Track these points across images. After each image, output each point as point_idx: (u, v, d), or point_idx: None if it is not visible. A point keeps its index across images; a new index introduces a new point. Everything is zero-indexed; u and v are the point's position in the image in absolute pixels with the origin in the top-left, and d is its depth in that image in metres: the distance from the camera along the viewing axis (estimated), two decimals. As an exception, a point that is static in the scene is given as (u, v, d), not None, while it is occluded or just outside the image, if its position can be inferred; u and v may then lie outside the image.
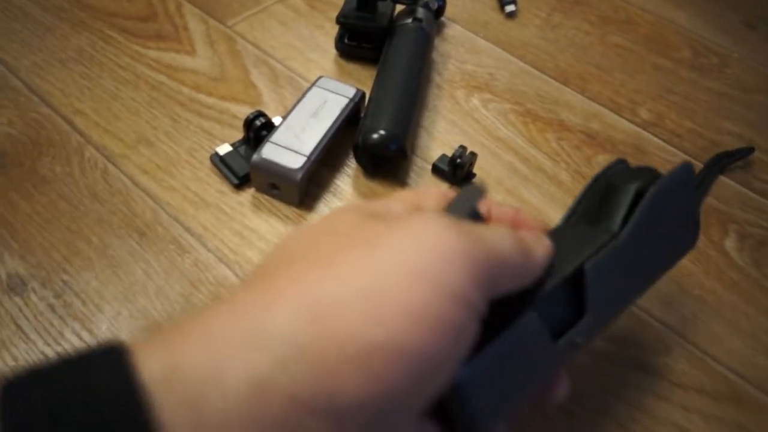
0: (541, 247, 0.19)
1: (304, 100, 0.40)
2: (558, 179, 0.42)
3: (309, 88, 0.40)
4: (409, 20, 0.45)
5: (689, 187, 0.28)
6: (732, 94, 0.51)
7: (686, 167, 0.27)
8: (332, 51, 0.48)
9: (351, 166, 0.40)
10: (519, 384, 0.20)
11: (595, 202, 0.27)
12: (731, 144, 0.46)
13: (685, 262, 0.38)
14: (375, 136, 0.37)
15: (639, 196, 0.25)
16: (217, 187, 0.38)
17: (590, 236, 0.25)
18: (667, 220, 0.27)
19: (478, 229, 0.17)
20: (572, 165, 0.43)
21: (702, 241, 0.39)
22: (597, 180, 0.28)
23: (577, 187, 0.41)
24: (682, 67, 0.53)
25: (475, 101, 0.46)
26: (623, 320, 0.35)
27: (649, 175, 0.27)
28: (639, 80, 0.51)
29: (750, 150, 0.45)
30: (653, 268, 0.27)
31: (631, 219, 0.25)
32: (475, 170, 0.41)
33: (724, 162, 0.44)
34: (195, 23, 0.49)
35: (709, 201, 0.42)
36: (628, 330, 0.34)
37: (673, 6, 0.59)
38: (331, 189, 0.39)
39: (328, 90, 0.40)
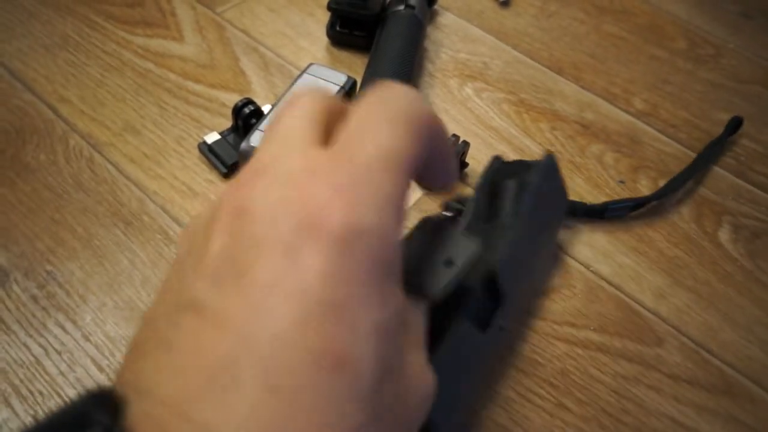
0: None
1: (295, 87, 0.39)
2: (552, 169, 0.41)
3: (299, 75, 0.40)
4: (402, 7, 0.44)
5: (556, 173, 0.33)
6: (727, 84, 0.50)
7: (550, 158, 0.32)
8: (323, 38, 0.48)
9: (342, 156, 0.40)
10: (466, 383, 0.24)
11: (486, 201, 0.30)
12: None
13: (679, 253, 0.38)
14: (366, 124, 0.37)
15: (520, 188, 0.30)
16: (205, 176, 0.38)
17: (492, 233, 0.28)
18: (545, 200, 0.32)
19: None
20: (566, 155, 0.42)
21: (696, 233, 0.39)
22: (483, 182, 0.31)
23: (571, 177, 0.41)
24: (677, 57, 0.52)
25: (469, 90, 0.46)
26: (615, 311, 0.34)
27: (521, 167, 0.32)
28: (634, 70, 0.50)
29: (738, 121, 0.45)
30: (546, 239, 0.32)
31: (519, 212, 0.29)
32: (468, 160, 0.40)
33: (718, 146, 0.44)
34: (183, 9, 0.48)
35: (703, 192, 0.42)
36: (621, 321, 0.34)
37: (669, -5, 0.58)
38: (322, 178, 0.39)
39: (318, 77, 0.40)
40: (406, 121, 0.17)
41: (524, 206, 0.29)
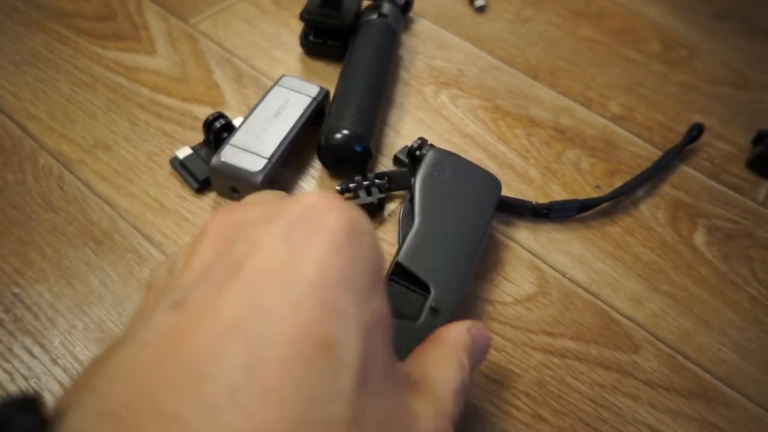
0: None
1: (266, 99, 0.39)
2: (528, 176, 0.41)
3: (271, 88, 0.39)
4: (375, 16, 0.44)
5: (454, 161, 0.35)
6: (701, 87, 0.50)
7: (433, 153, 0.35)
8: (298, 49, 0.47)
9: (315, 167, 0.40)
10: None
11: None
12: (702, 138, 0.46)
13: (655, 258, 0.38)
14: (338, 136, 0.36)
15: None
16: (177, 192, 0.37)
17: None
18: (449, 187, 0.33)
19: None
20: (542, 161, 0.42)
21: (672, 237, 0.39)
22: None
23: (547, 184, 0.41)
24: (652, 60, 0.52)
25: (444, 98, 0.46)
26: (592, 319, 0.34)
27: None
28: (610, 74, 0.50)
29: (698, 128, 0.45)
30: (473, 222, 0.33)
31: (415, 204, 0.32)
32: (444, 169, 0.40)
33: (678, 147, 0.44)
34: (155, 22, 0.48)
35: (678, 195, 0.42)
36: (596, 328, 0.34)
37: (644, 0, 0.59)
38: (295, 191, 0.38)
39: (290, 89, 0.39)
40: None
41: (418, 199, 0.32)
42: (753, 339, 0.35)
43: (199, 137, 0.40)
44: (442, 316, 0.28)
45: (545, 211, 0.38)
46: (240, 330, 0.14)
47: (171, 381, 0.13)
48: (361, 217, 0.17)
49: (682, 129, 0.47)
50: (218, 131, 0.37)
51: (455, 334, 0.23)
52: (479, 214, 0.33)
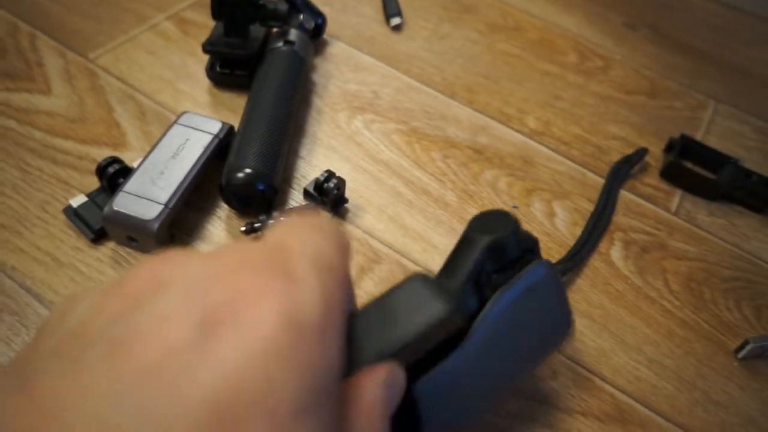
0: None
1: (164, 140, 0.37)
2: (444, 201, 0.41)
3: (169, 127, 0.37)
4: (281, 43, 0.43)
5: (552, 280, 0.26)
6: (616, 96, 0.51)
7: (543, 266, 0.25)
8: (205, 79, 0.46)
9: (222, 207, 0.38)
10: None
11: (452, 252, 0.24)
12: (617, 149, 0.46)
13: (573, 277, 0.38)
14: (239, 175, 0.35)
15: (489, 249, 0.23)
16: (72, 244, 0.35)
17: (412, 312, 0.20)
18: (527, 317, 0.25)
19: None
20: (459, 184, 0.42)
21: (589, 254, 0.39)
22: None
23: (464, 208, 0.40)
24: (569, 71, 0.53)
25: (358, 123, 0.45)
26: (509, 347, 0.34)
27: (503, 222, 0.25)
28: (527, 88, 0.51)
29: (644, 152, 0.45)
30: (517, 367, 0.26)
31: (477, 326, 0.23)
32: (358, 198, 0.39)
33: (623, 173, 0.44)
34: (51, 58, 0.45)
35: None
36: (514, 357, 0.34)
37: (560, 10, 0.59)
38: (200, 234, 0.37)
39: (190, 127, 0.38)
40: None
41: (488, 324, 0.23)
42: (666, 353, 0.35)
43: (97, 182, 0.38)
44: None
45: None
46: None
47: None
48: (313, 304, 0.14)
49: (599, 141, 0.47)
50: (112, 177, 0.35)
51: (368, 400, 0.17)
52: (530, 362, 0.27)
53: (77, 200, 0.36)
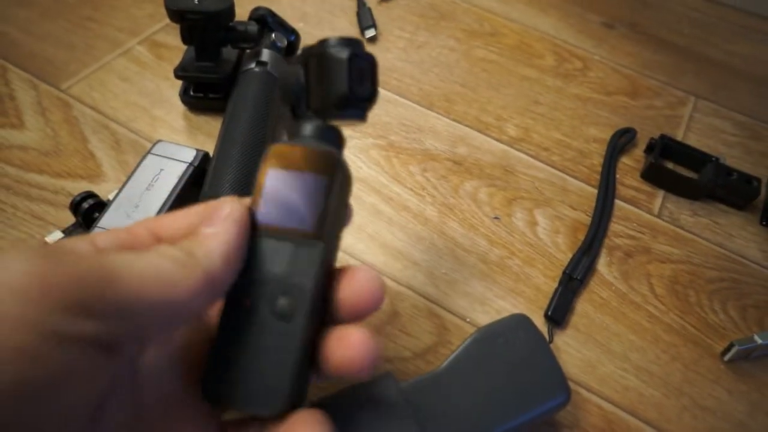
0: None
1: (137, 172, 0.36)
2: (424, 216, 0.40)
3: (143, 158, 0.37)
4: (253, 65, 0.43)
5: (533, 338, 0.30)
6: (595, 98, 0.51)
7: (519, 318, 0.31)
8: (180, 104, 0.45)
9: (200, 236, 0.38)
10: None
11: None
12: (598, 152, 0.46)
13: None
14: (215, 204, 0.35)
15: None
16: (50, 281, 0.35)
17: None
18: (502, 365, 0.29)
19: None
20: (438, 198, 0.42)
21: (571, 261, 0.39)
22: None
23: (444, 222, 0.40)
24: (547, 75, 0.53)
25: (336, 141, 0.44)
26: (494, 363, 0.34)
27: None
28: (506, 94, 0.50)
29: (633, 132, 0.46)
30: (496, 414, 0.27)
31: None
32: (337, 219, 0.39)
33: (618, 146, 0.46)
34: (23, 90, 0.45)
35: (577, 216, 0.42)
36: (500, 373, 0.33)
37: (536, 12, 0.59)
38: (180, 265, 0.36)
39: (164, 156, 0.37)
40: None
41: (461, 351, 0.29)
42: (653, 360, 0.35)
43: (73, 217, 0.37)
44: None
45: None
46: None
47: None
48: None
49: (580, 145, 0.47)
50: (87, 212, 0.35)
51: None
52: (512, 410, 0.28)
53: (53, 237, 0.36)
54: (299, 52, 0.25)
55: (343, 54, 0.22)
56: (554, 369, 0.29)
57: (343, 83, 0.22)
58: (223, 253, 0.19)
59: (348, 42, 0.23)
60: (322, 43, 0.23)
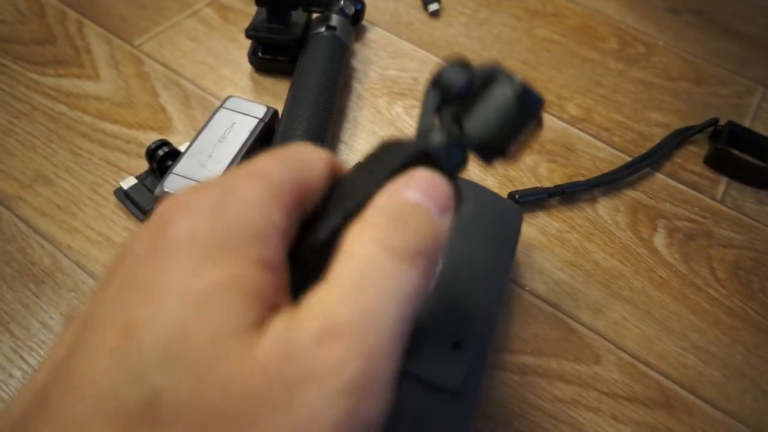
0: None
1: (210, 124, 0.37)
2: (485, 184, 0.40)
3: (216, 111, 0.38)
4: (323, 29, 0.43)
5: (477, 192, 0.31)
6: (659, 83, 0.50)
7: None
8: (247, 65, 0.46)
9: (267, 190, 0.38)
10: None
11: None
12: (660, 135, 0.46)
13: (616, 263, 0.37)
14: (285, 158, 0.35)
15: (434, 86, 0.21)
16: (123, 224, 0.36)
17: None
18: (473, 223, 0.30)
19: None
20: (499, 169, 0.42)
21: (632, 240, 0.39)
22: None
23: (505, 193, 0.40)
24: (609, 58, 0.52)
25: (398, 109, 0.45)
26: (552, 331, 0.34)
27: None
28: (567, 74, 0.50)
29: (714, 121, 0.45)
30: (495, 263, 0.29)
31: None
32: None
33: (684, 135, 0.45)
34: (98, 44, 0.46)
35: (637, 196, 0.41)
36: (558, 341, 0.34)
37: (599, -6, 0.58)
38: (246, 216, 0.37)
39: (236, 111, 0.38)
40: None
41: None
42: (713, 341, 0.34)
43: (145, 165, 0.38)
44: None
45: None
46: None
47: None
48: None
49: (641, 127, 0.46)
50: (162, 159, 0.36)
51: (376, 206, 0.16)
52: (503, 249, 0.30)
53: (127, 182, 0.37)
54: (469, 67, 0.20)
55: (516, 104, 0.19)
56: (501, 203, 0.31)
57: (498, 132, 0.19)
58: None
59: (525, 92, 0.19)
60: (498, 71, 0.20)
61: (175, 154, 0.37)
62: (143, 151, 0.39)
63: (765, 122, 0.48)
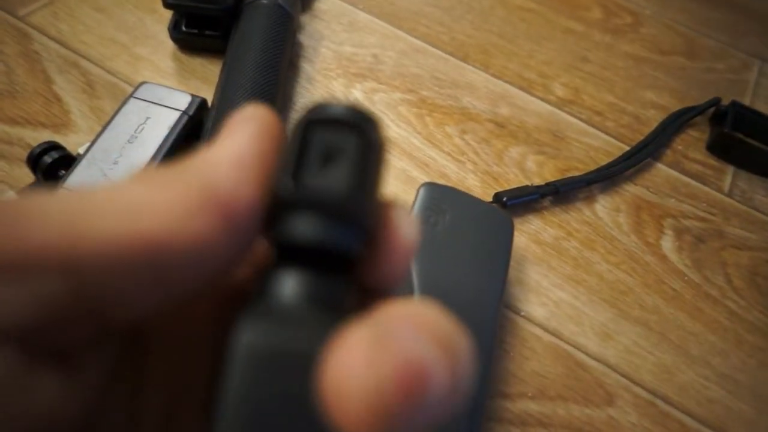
0: None
1: (117, 119, 0.29)
2: (465, 185, 0.34)
3: (124, 102, 0.30)
4: (261, -4, 0.35)
5: (454, 197, 0.28)
6: (650, 57, 0.44)
7: (426, 190, 0.28)
8: (169, 43, 0.37)
9: (195, 203, 0.30)
10: None
11: None
12: (657, 119, 0.40)
13: (621, 276, 0.32)
14: (216, 164, 0.27)
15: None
16: (3, 255, 0.27)
17: None
18: (451, 236, 0.26)
19: None
20: (480, 165, 0.35)
21: (637, 246, 0.33)
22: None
23: (489, 193, 0.34)
24: (594, 29, 0.46)
25: (357, 93, 0.37)
26: (555, 366, 0.28)
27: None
28: (549, 48, 0.43)
29: (716, 101, 0.40)
30: (483, 280, 0.26)
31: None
32: (362, 187, 0.32)
33: (683, 118, 0.40)
34: (-29, 16, 0.36)
35: (639, 192, 0.36)
36: (562, 379, 0.28)
37: (578, -43, 0.52)
38: (170, 238, 0.29)
39: (151, 102, 0.30)
40: None
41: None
42: (738, 366, 0.29)
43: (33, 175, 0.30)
44: None
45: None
46: None
47: None
48: None
49: (636, 109, 0.40)
50: (50, 168, 0.28)
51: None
52: (492, 269, 0.26)
53: (6, 198, 0.28)
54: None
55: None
56: (486, 210, 0.28)
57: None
58: (233, 158, 0.11)
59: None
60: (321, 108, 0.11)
61: (68, 161, 0.28)
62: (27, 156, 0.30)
63: (765, 99, 0.43)
